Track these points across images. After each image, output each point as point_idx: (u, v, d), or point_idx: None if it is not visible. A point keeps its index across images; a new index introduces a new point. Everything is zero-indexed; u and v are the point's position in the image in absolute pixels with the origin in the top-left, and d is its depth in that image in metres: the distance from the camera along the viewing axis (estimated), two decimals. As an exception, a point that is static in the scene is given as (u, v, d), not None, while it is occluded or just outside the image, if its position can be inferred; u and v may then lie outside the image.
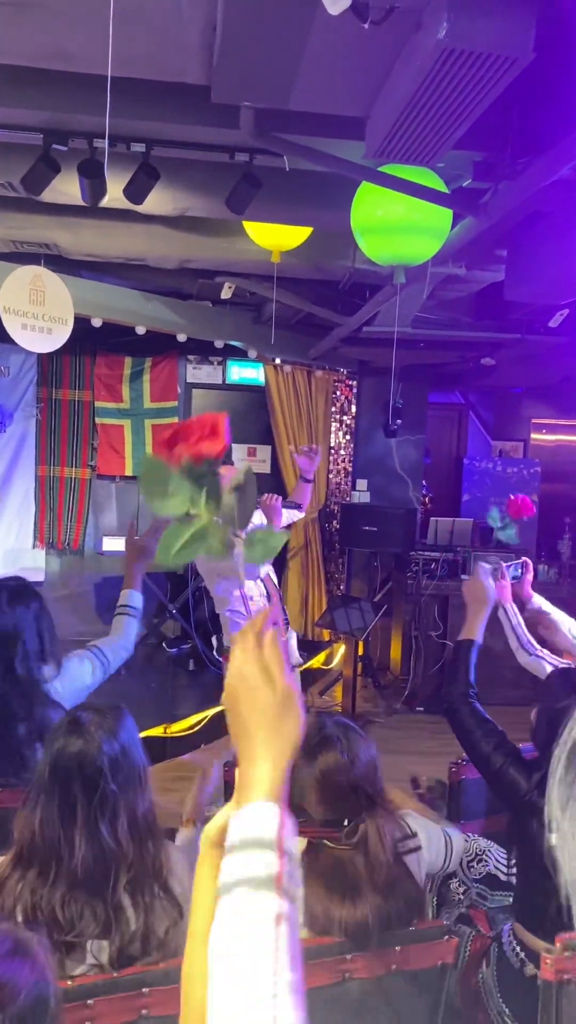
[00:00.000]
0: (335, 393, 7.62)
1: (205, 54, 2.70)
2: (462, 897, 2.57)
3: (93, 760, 1.75)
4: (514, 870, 2.44)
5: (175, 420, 7.73)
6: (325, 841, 1.83)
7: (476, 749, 2.30)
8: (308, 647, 7.15)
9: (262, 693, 0.93)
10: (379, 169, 3.13)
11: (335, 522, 7.72)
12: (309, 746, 1.91)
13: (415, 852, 2.02)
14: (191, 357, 7.70)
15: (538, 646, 3.34)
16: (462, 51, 2.10)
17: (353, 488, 7.71)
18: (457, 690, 2.42)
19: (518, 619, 3.41)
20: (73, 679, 2.57)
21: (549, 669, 3.17)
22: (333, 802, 1.85)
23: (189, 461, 1.14)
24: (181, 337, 6.73)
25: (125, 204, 3.63)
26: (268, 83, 2.65)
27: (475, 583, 2.76)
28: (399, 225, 3.24)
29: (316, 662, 7.36)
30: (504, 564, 3.46)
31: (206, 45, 2.65)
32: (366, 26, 2.04)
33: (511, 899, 2.43)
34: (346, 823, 1.84)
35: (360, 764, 1.89)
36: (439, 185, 3.23)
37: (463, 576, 6.69)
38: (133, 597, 2.82)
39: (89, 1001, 1.57)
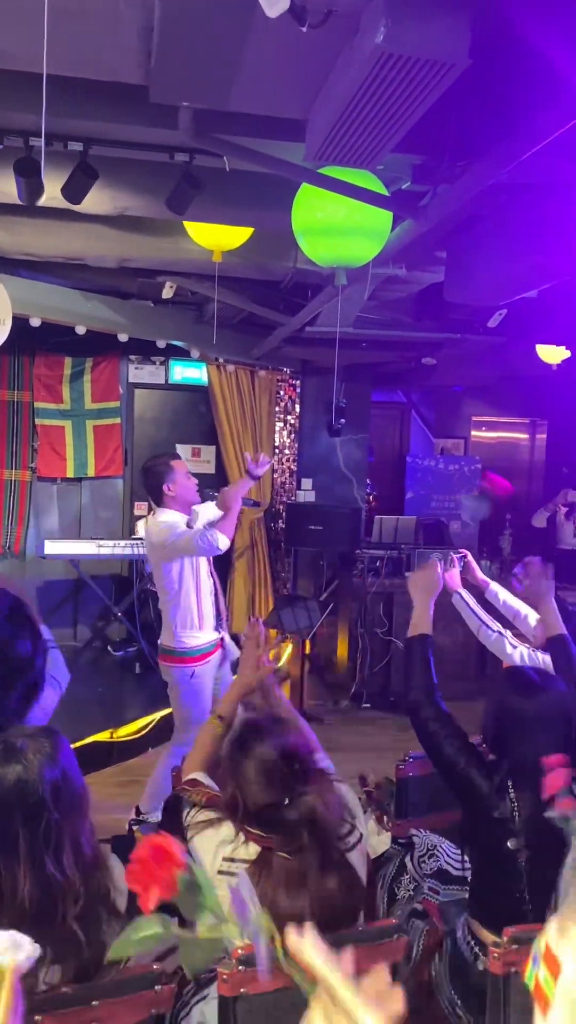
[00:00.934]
0: (279, 393, 7.63)
1: (143, 54, 2.67)
2: (413, 893, 2.60)
3: (35, 789, 1.65)
4: (467, 864, 2.48)
5: (117, 421, 7.66)
6: (278, 853, 1.84)
7: (440, 750, 2.26)
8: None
9: None
10: (319, 171, 3.14)
11: (280, 522, 7.74)
12: (241, 740, 1.94)
13: (357, 846, 2.05)
14: (133, 357, 7.62)
15: (498, 625, 3.40)
16: (399, 56, 2.11)
17: (298, 487, 7.74)
18: (419, 688, 2.36)
19: (474, 601, 3.47)
20: (45, 708, 2.36)
21: (510, 649, 3.25)
22: (271, 785, 1.87)
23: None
24: (122, 337, 6.66)
25: (63, 203, 3.58)
26: (206, 84, 2.63)
27: (422, 573, 2.71)
28: (339, 227, 3.26)
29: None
30: (453, 555, 3.55)
31: (144, 44, 2.62)
32: (304, 29, 2.04)
33: (464, 893, 2.46)
34: (287, 800, 1.85)
35: (292, 745, 1.92)
36: (379, 187, 3.26)
37: (407, 573, 6.77)
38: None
39: (37, 1017, 1.54)
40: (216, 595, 4.18)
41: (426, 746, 2.34)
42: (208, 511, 4.22)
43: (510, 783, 2.14)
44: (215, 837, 1.92)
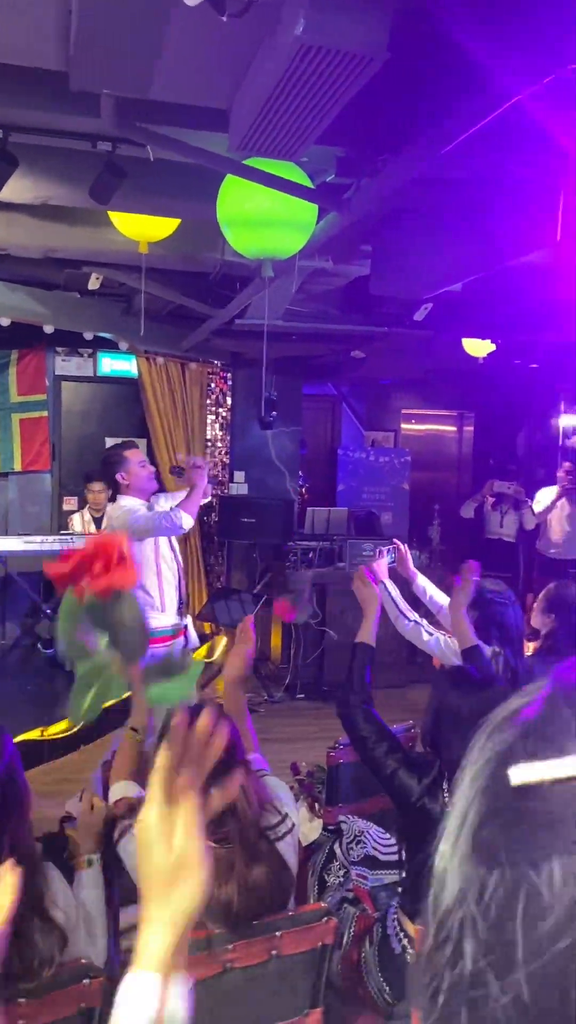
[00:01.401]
0: (210, 385, 7.60)
1: (62, 39, 2.62)
2: (343, 880, 2.63)
3: None
4: (394, 849, 2.52)
5: (44, 414, 7.52)
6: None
7: (370, 754, 2.31)
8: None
9: (157, 852, 0.85)
10: (244, 162, 3.13)
11: (213, 514, 7.72)
12: (163, 730, 1.94)
13: (288, 836, 2.06)
14: (59, 349, 7.49)
15: (415, 615, 3.46)
16: (319, 47, 2.13)
17: (230, 480, 7.73)
18: (352, 696, 2.43)
19: (395, 591, 3.53)
20: None
21: (426, 637, 3.32)
22: None
23: (95, 597, 1.14)
24: (48, 328, 6.53)
25: (-18, 191, 3.49)
26: (127, 71, 2.60)
27: (358, 589, 2.78)
28: (265, 218, 3.26)
29: (198, 655, 7.33)
30: (381, 548, 3.61)
31: (63, 30, 2.57)
32: (224, 18, 2.04)
33: (393, 877, 2.50)
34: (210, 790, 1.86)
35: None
36: (303, 180, 3.27)
37: (340, 564, 6.83)
38: None
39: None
40: (180, 581, 4.19)
41: (357, 749, 2.40)
42: (170, 503, 4.22)
43: (445, 783, 2.16)
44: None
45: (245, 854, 1.87)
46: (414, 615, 3.48)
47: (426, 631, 3.44)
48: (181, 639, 4.17)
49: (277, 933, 1.87)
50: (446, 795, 2.15)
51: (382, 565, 3.57)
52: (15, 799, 1.69)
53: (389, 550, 3.68)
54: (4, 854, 1.62)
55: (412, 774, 2.21)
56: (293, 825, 2.05)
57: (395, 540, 3.79)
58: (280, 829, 2.00)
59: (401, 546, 3.65)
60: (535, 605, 3.71)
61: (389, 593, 3.51)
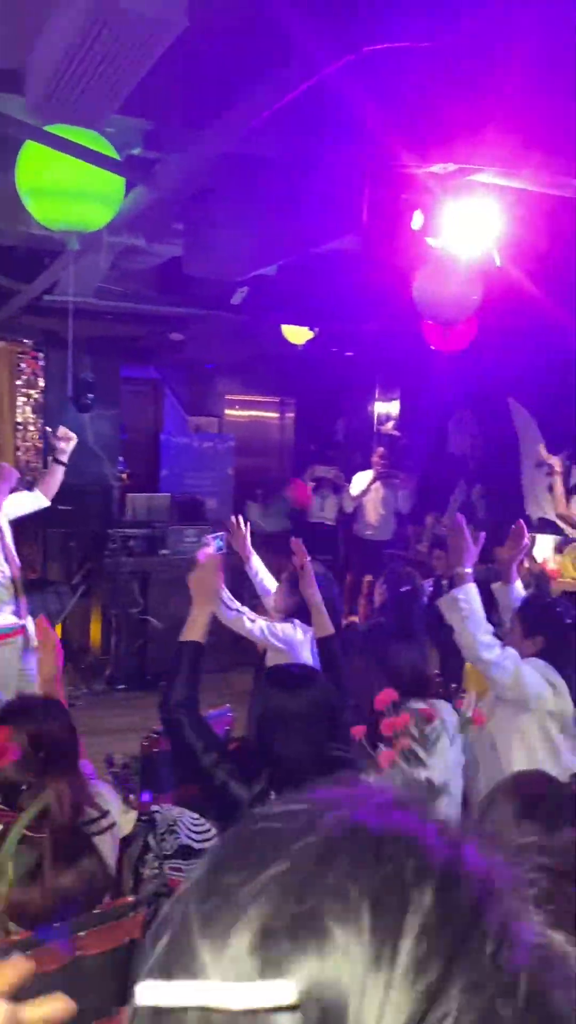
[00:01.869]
0: (19, 366, 7.24)
1: None
2: (158, 872, 2.58)
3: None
4: (207, 838, 2.49)
5: None
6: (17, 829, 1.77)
7: (196, 763, 2.17)
8: None
9: None
10: (45, 128, 2.97)
11: (27, 502, 7.37)
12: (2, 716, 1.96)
13: (108, 831, 2.01)
14: None
15: (237, 604, 3.45)
16: (114, 10, 2.03)
17: (44, 466, 7.41)
18: (177, 699, 2.23)
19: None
20: None
21: (249, 625, 3.31)
22: (20, 767, 1.88)
23: None
24: None
25: None
26: None
27: (201, 575, 2.52)
28: (68, 189, 3.11)
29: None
30: (209, 536, 3.59)
31: None
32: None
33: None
34: (24, 788, 1.85)
35: (46, 733, 1.94)
36: (110, 152, 3.14)
37: (163, 551, 6.73)
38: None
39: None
40: (14, 579, 3.99)
41: (181, 756, 2.26)
42: (23, 501, 4.05)
43: (271, 790, 2.12)
44: None
45: (54, 857, 1.81)
46: (236, 604, 3.46)
47: (248, 618, 3.43)
48: (19, 639, 4.00)
49: (81, 934, 1.80)
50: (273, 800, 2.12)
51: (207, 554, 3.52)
52: None
53: (216, 538, 3.65)
54: None
55: (242, 784, 2.12)
56: (114, 823, 2.02)
57: (233, 518, 3.78)
58: (103, 823, 2.00)
59: (242, 526, 3.63)
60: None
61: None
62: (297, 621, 3.46)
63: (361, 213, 3.21)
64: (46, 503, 4.47)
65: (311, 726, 2.14)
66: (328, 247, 4.04)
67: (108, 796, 2.15)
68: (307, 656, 3.35)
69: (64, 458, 4.46)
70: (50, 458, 4.45)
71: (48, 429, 6.96)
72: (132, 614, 6.61)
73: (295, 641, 3.44)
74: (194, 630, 2.38)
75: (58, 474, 4.58)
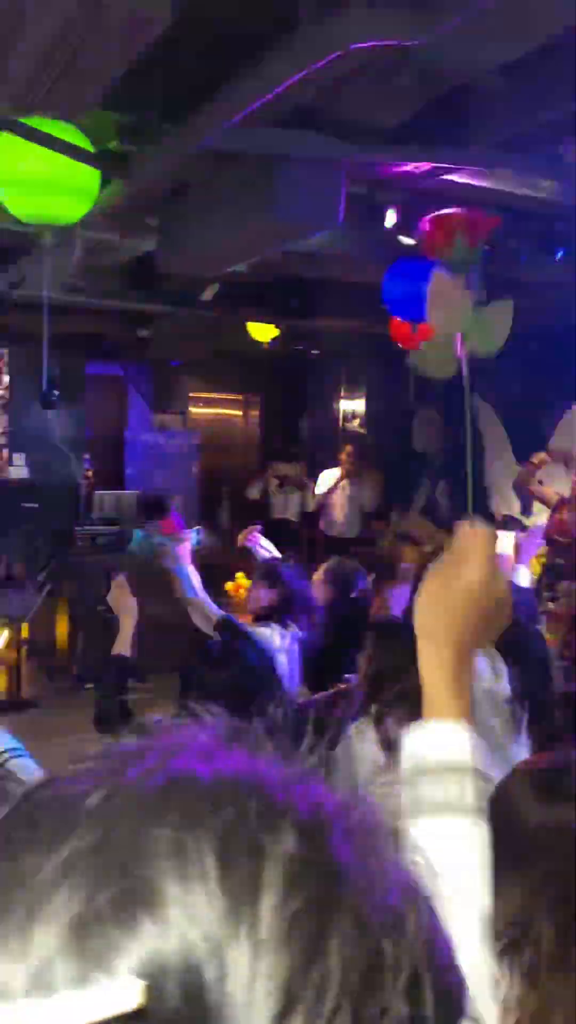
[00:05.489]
0: (-16, 362, 7.14)
1: None
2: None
3: None
4: None
5: None
6: None
7: None
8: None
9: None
10: (20, 120, 2.93)
11: (-9, 500, 7.28)
12: None
13: None
14: None
15: (200, 590, 3.44)
16: (98, 2, 2.03)
17: (9, 463, 7.32)
18: (109, 710, 2.35)
19: (197, 580, 3.49)
20: None
21: (213, 608, 3.32)
22: None
23: None
24: None
25: None
26: None
27: (118, 594, 2.65)
28: (43, 182, 3.07)
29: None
30: (187, 530, 3.57)
31: None
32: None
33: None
34: None
35: None
36: (85, 144, 3.12)
37: (131, 548, 6.69)
38: None
39: None
40: None
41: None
42: None
43: None
44: None
45: None
46: (200, 592, 3.45)
47: (208, 606, 3.41)
48: None
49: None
50: None
51: (184, 549, 3.51)
52: None
53: (195, 529, 3.64)
54: None
55: None
56: None
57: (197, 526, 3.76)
58: None
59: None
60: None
61: (190, 580, 3.45)
62: (275, 624, 3.42)
63: (336, 210, 3.23)
64: None
65: (229, 703, 2.19)
66: (296, 243, 4.06)
67: None
68: (283, 661, 3.34)
69: None
70: None
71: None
72: (99, 612, 6.55)
73: (272, 647, 3.41)
74: (120, 644, 2.54)
75: None
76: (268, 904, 0.32)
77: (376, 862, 0.35)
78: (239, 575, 6.31)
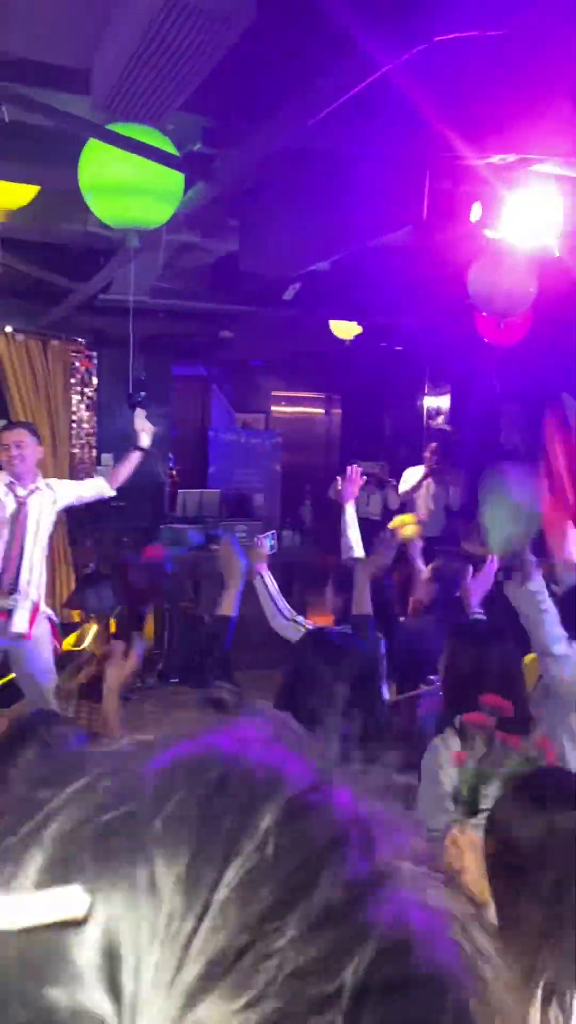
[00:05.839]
0: (74, 364, 7.34)
1: None
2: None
3: None
4: None
5: None
6: None
7: None
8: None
9: None
10: (108, 127, 3.01)
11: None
12: (9, 742, 1.88)
13: None
14: None
15: (292, 611, 3.45)
16: (184, 5, 2.05)
17: (98, 463, 7.50)
18: (208, 673, 2.43)
19: (275, 587, 3.50)
20: None
21: (295, 632, 3.31)
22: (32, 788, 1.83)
23: None
24: None
25: None
26: (-22, 19, 2.44)
27: (226, 558, 2.76)
28: (129, 186, 3.14)
29: (67, 644, 7.11)
30: (260, 536, 3.59)
31: None
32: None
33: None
34: None
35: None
36: (169, 148, 3.17)
37: (213, 547, 6.78)
38: None
39: None
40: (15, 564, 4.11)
41: None
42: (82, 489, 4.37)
43: None
44: None
45: None
46: (291, 612, 3.46)
47: (304, 627, 3.41)
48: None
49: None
50: None
51: (262, 556, 3.54)
52: None
53: (269, 535, 3.66)
54: None
55: None
56: None
57: (270, 531, 3.78)
58: None
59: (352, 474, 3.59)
60: None
61: (267, 588, 3.48)
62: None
63: (419, 206, 3.19)
64: (110, 492, 4.54)
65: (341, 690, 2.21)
66: (379, 241, 4.04)
67: None
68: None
69: (144, 444, 4.56)
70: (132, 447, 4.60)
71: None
72: (184, 608, 6.67)
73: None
74: (226, 605, 2.66)
75: (132, 461, 4.67)
76: (232, 869, 0.32)
77: (374, 869, 0.34)
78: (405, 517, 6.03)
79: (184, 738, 0.38)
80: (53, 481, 4.33)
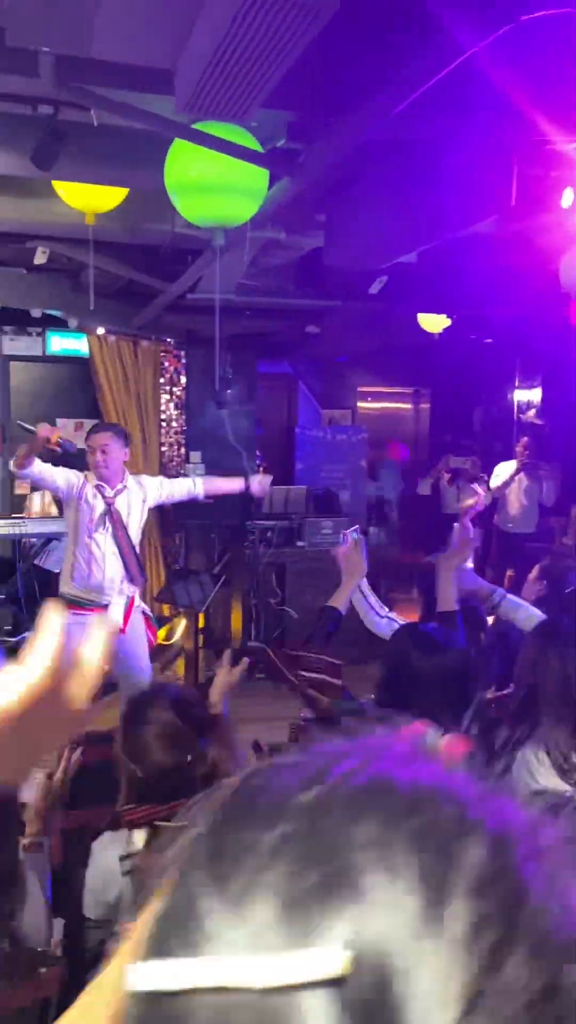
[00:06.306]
0: (163, 364, 7.46)
1: (-5, -9, 2.50)
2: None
3: None
4: None
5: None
6: (166, 825, 1.81)
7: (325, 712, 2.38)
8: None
9: None
10: (192, 126, 3.03)
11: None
12: (136, 710, 1.96)
13: None
14: (7, 328, 7.29)
15: (386, 609, 3.41)
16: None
17: (186, 461, 7.62)
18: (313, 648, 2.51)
19: (366, 584, 3.47)
20: None
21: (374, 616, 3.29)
22: (174, 745, 1.90)
23: None
24: (-7, 306, 6.36)
25: None
26: (65, 26, 2.49)
27: (350, 554, 2.84)
28: (215, 185, 3.17)
29: (157, 638, 7.25)
30: (345, 531, 3.56)
31: (-4, -19, 2.45)
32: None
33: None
34: (189, 757, 1.89)
35: (182, 698, 2.00)
36: (254, 145, 3.18)
37: (299, 543, 6.79)
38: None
39: None
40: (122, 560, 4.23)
41: (310, 706, 2.47)
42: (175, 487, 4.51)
43: None
44: (105, 845, 1.94)
45: None
46: (386, 610, 3.42)
47: (398, 624, 3.37)
48: (94, 615, 4.20)
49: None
50: None
51: (344, 551, 3.51)
52: (5, 817, 1.65)
53: (354, 530, 3.62)
54: None
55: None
56: None
57: (356, 528, 3.75)
58: None
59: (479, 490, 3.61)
60: None
61: (359, 587, 3.45)
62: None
63: (508, 193, 3.11)
64: (200, 496, 4.60)
65: (441, 688, 2.19)
66: (468, 231, 3.95)
67: None
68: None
69: (253, 491, 4.62)
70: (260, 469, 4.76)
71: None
72: (270, 604, 6.70)
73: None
74: (337, 599, 2.76)
75: (233, 488, 4.77)
76: (457, 906, 0.33)
77: (562, 883, 0.35)
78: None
79: (347, 760, 0.39)
80: (144, 478, 4.41)
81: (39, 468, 4.21)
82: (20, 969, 1.59)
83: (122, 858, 1.86)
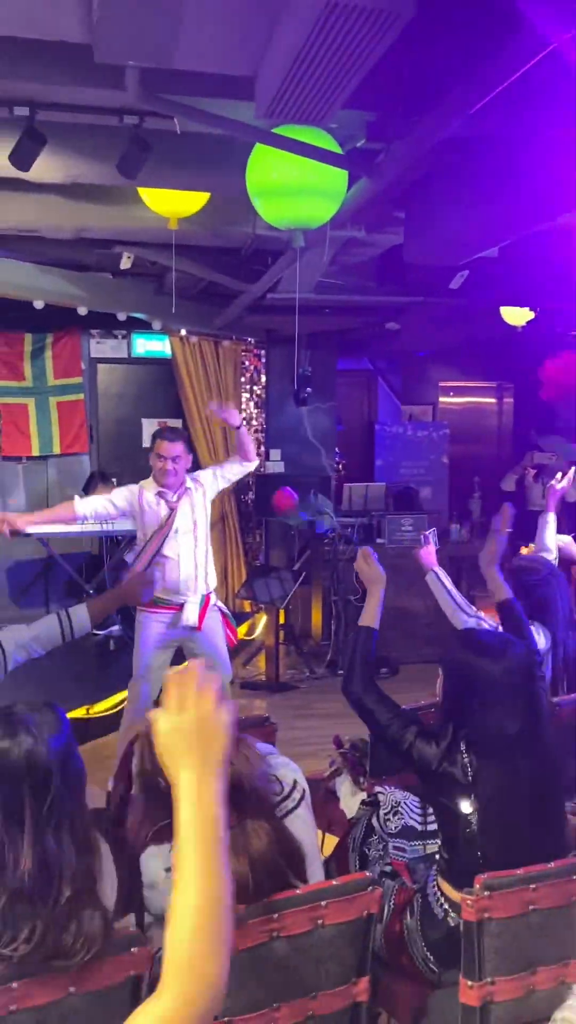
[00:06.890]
0: (244, 363, 7.57)
1: (84, 10, 2.59)
2: (382, 853, 2.62)
3: (43, 761, 1.62)
4: (431, 820, 2.51)
5: (81, 397, 7.57)
6: None
7: (384, 733, 2.33)
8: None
9: (175, 721, 1.05)
10: (272, 130, 3.08)
11: (251, 493, 7.71)
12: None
13: (295, 812, 2.04)
14: (94, 331, 7.51)
15: (473, 608, 3.39)
16: (345, 5, 2.07)
17: (267, 458, 7.71)
18: (356, 681, 2.43)
19: (449, 582, 3.46)
20: None
21: (487, 628, 3.25)
22: None
23: None
24: (81, 310, 6.55)
25: (13, 172, 3.49)
26: (151, 40, 2.56)
27: (364, 566, 2.70)
28: (295, 187, 3.21)
29: (239, 633, 7.36)
30: (426, 532, 3.55)
31: (85, 2, 2.54)
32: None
33: (432, 847, 2.49)
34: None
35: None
36: (333, 146, 3.21)
37: (378, 540, 6.79)
38: (80, 618, 2.76)
39: (13, 984, 1.54)
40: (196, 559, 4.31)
41: (372, 730, 2.44)
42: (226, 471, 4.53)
43: (463, 744, 2.17)
44: (154, 854, 1.98)
45: (249, 830, 1.85)
46: (473, 609, 3.39)
47: (487, 624, 3.35)
48: (172, 614, 4.29)
49: (323, 903, 1.87)
50: (465, 757, 2.15)
51: (430, 551, 3.51)
52: (75, 775, 1.70)
53: (429, 534, 3.61)
54: (64, 833, 1.62)
55: (428, 742, 2.21)
56: (300, 801, 2.05)
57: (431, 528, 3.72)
58: (286, 804, 2.01)
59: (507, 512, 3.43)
60: None
61: (443, 585, 3.43)
62: (540, 625, 3.31)
63: (593, 184, 3.04)
64: (251, 467, 4.61)
65: (508, 692, 2.17)
66: (549, 224, 3.88)
67: (296, 772, 2.14)
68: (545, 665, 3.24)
69: (237, 422, 4.54)
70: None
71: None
72: (351, 601, 6.72)
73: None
74: (365, 616, 2.61)
75: (245, 439, 4.63)
76: None
77: None
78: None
79: None
80: (199, 474, 4.45)
81: (90, 509, 4.32)
82: (112, 946, 1.66)
83: (167, 871, 1.88)
